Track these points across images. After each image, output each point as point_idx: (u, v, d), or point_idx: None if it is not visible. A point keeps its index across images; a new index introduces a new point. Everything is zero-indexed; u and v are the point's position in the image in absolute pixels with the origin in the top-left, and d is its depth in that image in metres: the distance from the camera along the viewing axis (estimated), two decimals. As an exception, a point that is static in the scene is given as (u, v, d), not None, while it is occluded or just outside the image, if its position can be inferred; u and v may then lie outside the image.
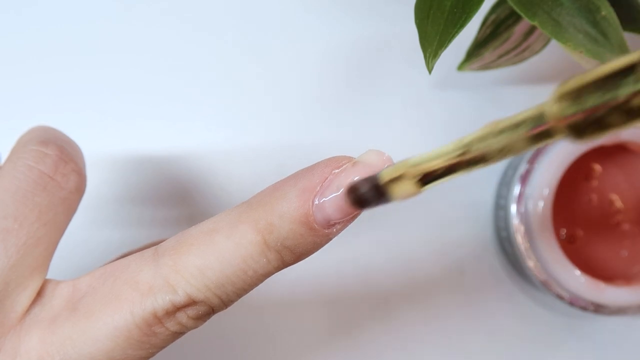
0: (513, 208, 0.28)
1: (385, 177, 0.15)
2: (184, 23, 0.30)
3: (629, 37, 0.22)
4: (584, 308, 0.28)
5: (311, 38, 0.30)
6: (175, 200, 0.29)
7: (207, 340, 0.29)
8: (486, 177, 0.30)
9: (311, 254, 0.17)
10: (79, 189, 0.19)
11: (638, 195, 0.29)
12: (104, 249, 0.28)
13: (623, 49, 0.21)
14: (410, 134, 0.30)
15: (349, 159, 0.17)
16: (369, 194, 0.16)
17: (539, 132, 0.12)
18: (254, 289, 0.17)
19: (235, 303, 0.17)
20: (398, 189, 0.15)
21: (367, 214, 0.30)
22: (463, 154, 0.14)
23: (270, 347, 0.29)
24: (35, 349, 0.16)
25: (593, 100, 0.11)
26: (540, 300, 0.30)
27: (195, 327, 0.17)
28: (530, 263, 0.27)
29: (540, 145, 0.13)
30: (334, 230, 0.17)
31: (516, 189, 0.28)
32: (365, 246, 0.30)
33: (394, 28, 0.30)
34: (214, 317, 0.17)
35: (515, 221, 0.27)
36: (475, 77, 0.30)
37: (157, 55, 0.29)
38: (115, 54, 0.29)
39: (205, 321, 0.17)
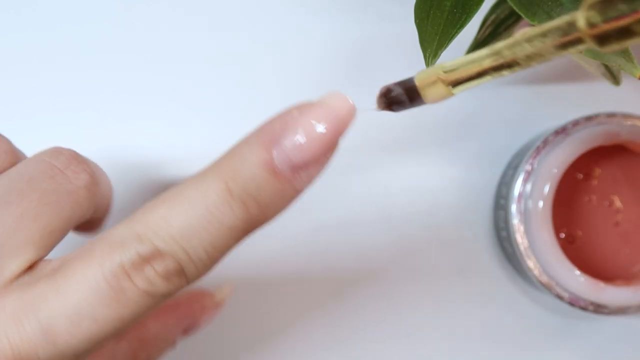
0: (513, 208, 0.28)
1: (420, 80, 0.16)
2: (184, 23, 0.30)
3: (628, 37, 0.22)
4: (583, 308, 0.28)
5: (311, 38, 0.30)
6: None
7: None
8: (486, 177, 0.30)
9: (278, 207, 0.17)
10: (89, 188, 0.19)
11: (638, 195, 0.29)
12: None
13: (623, 49, 0.21)
14: (410, 134, 0.30)
15: (310, 103, 0.17)
16: (402, 97, 0.16)
17: (567, 41, 0.13)
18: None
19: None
20: (431, 92, 0.16)
21: (362, 215, 0.30)
22: (494, 59, 0.15)
23: (267, 326, 0.29)
24: (11, 304, 0.17)
25: (620, 10, 0.11)
26: (540, 300, 0.30)
27: (166, 291, 0.17)
28: (530, 263, 0.27)
29: (567, 53, 0.13)
30: (299, 177, 0.17)
31: (516, 189, 0.28)
32: (363, 244, 0.30)
33: (394, 28, 0.30)
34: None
35: (515, 221, 0.27)
36: (475, 77, 0.30)
37: (156, 56, 0.29)
38: (114, 54, 0.29)
39: (176, 285, 0.17)
